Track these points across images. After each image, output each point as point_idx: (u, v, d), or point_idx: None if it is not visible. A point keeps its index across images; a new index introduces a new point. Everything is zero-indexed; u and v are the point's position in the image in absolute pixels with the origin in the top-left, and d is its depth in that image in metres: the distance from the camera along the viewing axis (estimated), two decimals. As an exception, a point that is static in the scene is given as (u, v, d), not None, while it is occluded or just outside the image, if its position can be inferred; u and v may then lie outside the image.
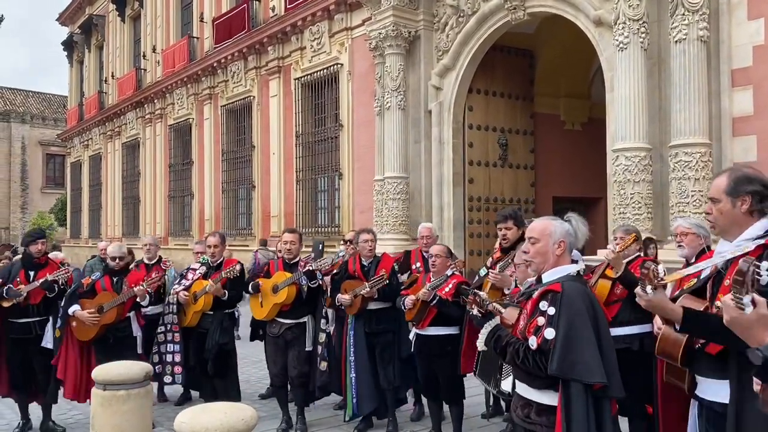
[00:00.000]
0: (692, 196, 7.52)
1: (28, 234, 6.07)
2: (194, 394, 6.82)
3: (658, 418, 3.19)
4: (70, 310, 5.51)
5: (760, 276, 1.91)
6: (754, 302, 1.83)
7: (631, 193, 7.91)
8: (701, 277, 2.48)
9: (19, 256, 10.20)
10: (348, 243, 6.70)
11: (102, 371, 4.18)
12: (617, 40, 8.02)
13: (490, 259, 5.07)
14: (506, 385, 3.34)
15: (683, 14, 7.56)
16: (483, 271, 4.99)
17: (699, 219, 5.22)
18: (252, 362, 8.25)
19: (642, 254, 4.92)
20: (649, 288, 2.32)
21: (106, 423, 4.04)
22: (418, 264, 6.26)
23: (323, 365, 5.52)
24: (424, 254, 6.14)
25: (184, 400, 6.70)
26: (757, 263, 1.87)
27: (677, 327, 2.40)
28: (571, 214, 2.86)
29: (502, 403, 5.80)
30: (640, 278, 2.38)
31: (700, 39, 7.54)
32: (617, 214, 8.05)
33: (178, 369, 6.07)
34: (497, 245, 6.72)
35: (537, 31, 11.73)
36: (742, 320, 1.85)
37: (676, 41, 7.64)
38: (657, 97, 8.20)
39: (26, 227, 36.48)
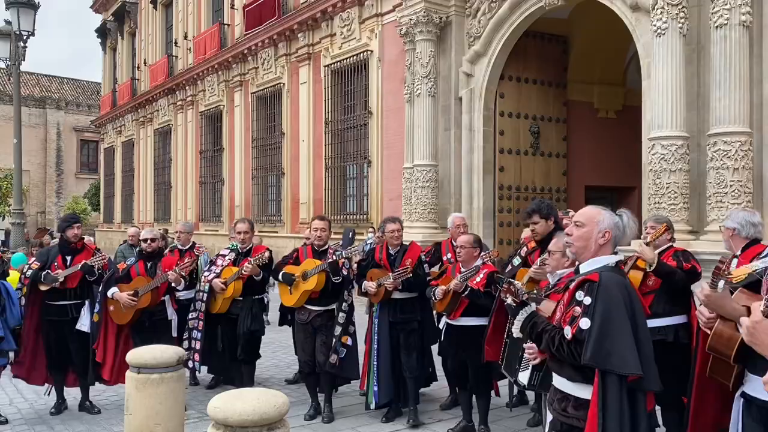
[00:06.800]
0: (731, 186, 7.32)
1: (63, 219, 6.17)
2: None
3: (689, 411, 3.13)
4: (109, 293, 5.65)
5: None
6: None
7: (667, 183, 7.73)
8: (757, 272, 2.39)
9: (55, 240, 10.44)
10: (378, 229, 6.69)
11: (136, 355, 4.24)
12: (655, 26, 7.81)
13: (525, 248, 4.98)
14: (523, 377, 3.30)
15: (725, -2, 7.32)
16: (517, 261, 4.92)
17: (739, 211, 5.05)
18: (281, 347, 8.32)
19: (673, 244, 4.82)
20: (722, 283, 2.21)
21: (140, 405, 4.10)
22: (449, 255, 6.19)
23: (333, 358, 5.50)
24: (455, 244, 6.06)
25: (216, 384, 6.79)
26: None
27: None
28: (624, 210, 2.80)
29: (527, 393, 5.76)
30: (714, 273, 2.29)
31: (742, 24, 7.30)
32: (652, 204, 7.88)
33: (197, 356, 6.14)
34: (524, 235, 6.64)
35: (571, 16, 11.50)
36: (764, 324, 1.76)
37: (717, 26, 7.40)
38: (695, 85, 7.98)
39: (61, 212, 37.26)
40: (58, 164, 39.33)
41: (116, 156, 27.56)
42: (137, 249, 10.08)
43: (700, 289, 2.31)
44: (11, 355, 5.74)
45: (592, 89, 12.83)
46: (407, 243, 5.79)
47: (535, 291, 3.14)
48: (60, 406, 5.92)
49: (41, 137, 38.73)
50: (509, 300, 2.84)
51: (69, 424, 5.60)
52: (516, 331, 2.82)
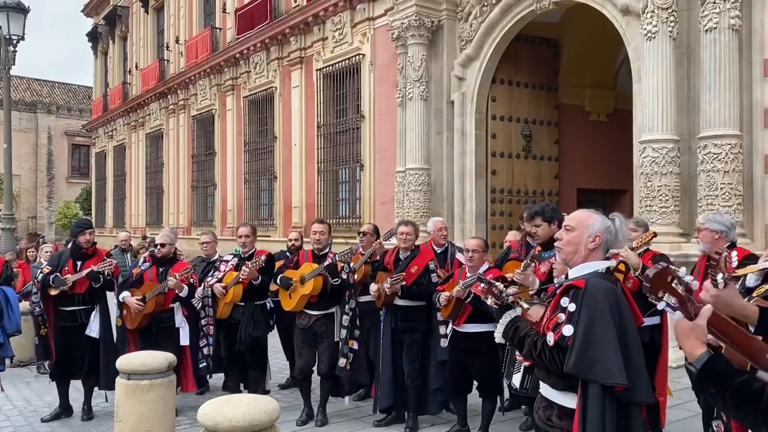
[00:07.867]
0: (721, 189, 7.36)
1: (76, 224, 6.16)
2: (211, 383, 6.88)
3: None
4: (121, 297, 5.67)
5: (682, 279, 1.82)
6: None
7: (658, 186, 7.77)
8: None
9: (46, 244, 10.37)
10: (362, 234, 6.63)
11: (125, 361, 4.22)
12: (645, 29, 7.85)
13: (533, 251, 4.92)
14: (516, 380, 3.27)
15: (714, 2, 7.36)
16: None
17: (719, 213, 5.07)
18: (272, 352, 8.25)
19: (649, 247, 4.85)
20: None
21: (130, 412, 4.08)
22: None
23: (342, 361, 5.49)
24: (436, 248, 6.02)
25: (205, 390, 6.76)
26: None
27: (751, 329, 2.25)
28: (617, 214, 2.74)
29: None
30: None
31: (731, 28, 7.35)
32: (643, 207, 7.92)
33: (210, 362, 6.13)
34: (509, 237, 6.60)
35: (562, 20, 11.54)
36: (681, 326, 1.77)
37: (707, 30, 7.45)
38: (686, 88, 8.03)
39: (52, 217, 37.09)
40: (49, 169, 39.11)
41: (108, 160, 27.43)
42: (128, 253, 10.00)
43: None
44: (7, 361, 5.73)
45: (583, 92, 12.88)
46: (423, 246, 5.73)
47: (537, 299, 3.08)
48: (60, 415, 5.86)
49: (32, 142, 38.51)
50: (490, 302, 2.80)
51: (59, 432, 5.55)
52: (498, 337, 2.75)
